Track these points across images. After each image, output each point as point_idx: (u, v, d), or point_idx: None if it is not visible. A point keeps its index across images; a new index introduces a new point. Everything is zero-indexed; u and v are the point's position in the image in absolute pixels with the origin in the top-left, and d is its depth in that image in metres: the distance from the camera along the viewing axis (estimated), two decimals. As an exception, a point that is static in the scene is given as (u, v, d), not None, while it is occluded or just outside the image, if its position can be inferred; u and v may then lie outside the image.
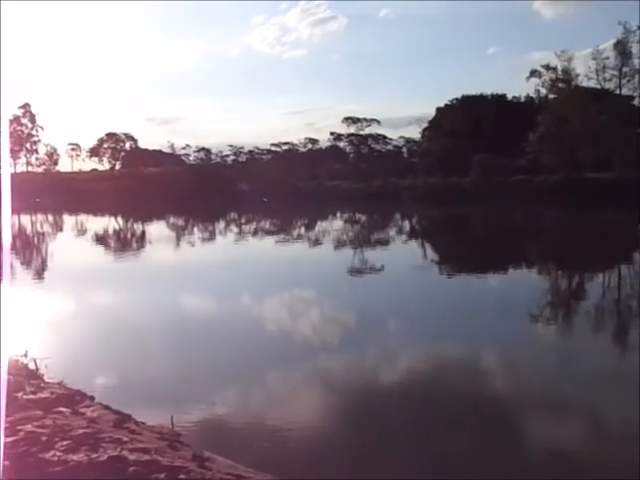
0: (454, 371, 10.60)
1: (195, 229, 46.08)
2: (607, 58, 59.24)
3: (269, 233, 40.66)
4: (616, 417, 8.40)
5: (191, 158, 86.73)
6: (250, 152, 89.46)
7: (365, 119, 79.10)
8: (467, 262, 25.03)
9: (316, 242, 34.23)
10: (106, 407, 6.95)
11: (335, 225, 47.12)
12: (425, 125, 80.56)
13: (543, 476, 6.83)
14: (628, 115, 59.98)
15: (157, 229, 46.17)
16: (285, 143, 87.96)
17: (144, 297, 17.50)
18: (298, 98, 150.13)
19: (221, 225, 48.72)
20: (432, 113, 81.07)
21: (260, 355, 11.37)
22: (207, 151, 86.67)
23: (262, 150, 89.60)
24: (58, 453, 4.78)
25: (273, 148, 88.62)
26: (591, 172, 56.74)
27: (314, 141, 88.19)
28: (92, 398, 7.33)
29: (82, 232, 45.21)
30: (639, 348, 11.99)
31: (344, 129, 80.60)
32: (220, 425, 8.02)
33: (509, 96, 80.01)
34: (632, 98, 61.21)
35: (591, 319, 14.68)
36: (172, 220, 53.25)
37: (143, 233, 44.45)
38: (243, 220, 53.12)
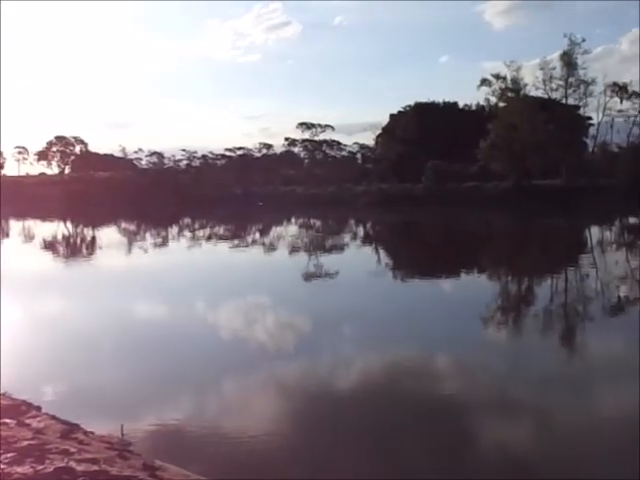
0: (406, 374, 10.69)
1: (147, 234, 45.35)
2: (554, 69, 61.03)
3: (223, 238, 40.32)
4: (563, 417, 8.61)
5: (143, 162, 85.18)
6: (204, 157, 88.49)
7: (320, 125, 79.37)
8: (420, 267, 25.35)
9: (271, 247, 34.12)
10: (53, 417, 6.77)
11: (290, 230, 47.08)
12: (379, 132, 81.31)
13: (492, 475, 6.94)
14: (574, 124, 61.86)
15: (108, 234, 45.24)
16: (239, 148, 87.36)
17: (94, 304, 17.11)
18: (252, 103, 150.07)
19: (174, 230, 48.08)
20: (386, 120, 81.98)
21: (212, 362, 11.26)
22: (160, 155, 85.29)
23: (216, 155, 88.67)
24: (2, 466, 4.63)
25: (227, 153, 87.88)
26: (539, 179, 58.24)
27: (269, 146, 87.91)
28: (39, 408, 7.13)
29: (29, 238, 43.96)
30: (584, 349, 12.38)
31: (299, 134, 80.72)
32: (172, 433, 7.89)
33: (461, 104, 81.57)
34: (577, 108, 63.10)
35: (539, 322, 15.04)
36: (123, 225, 52.30)
37: (93, 239, 43.50)
38: (197, 225, 52.55)
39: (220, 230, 47.83)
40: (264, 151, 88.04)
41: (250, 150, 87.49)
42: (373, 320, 14.73)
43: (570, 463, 7.25)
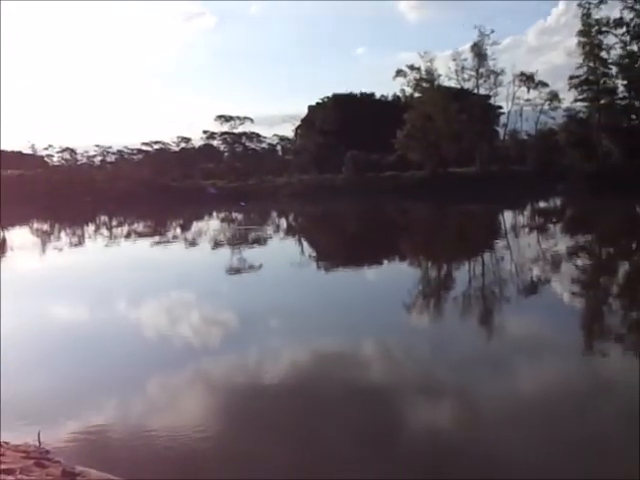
0: (333, 363, 10.78)
1: (62, 234, 43.60)
2: (465, 60, 62.85)
3: (143, 235, 39.29)
4: (488, 399, 8.92)
5: (55, 159, 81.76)
6: (119, 152, 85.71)
7: (238, 117, 78.37)
8: (343, 257, 25.62)
9: (193, 243, 33.56)
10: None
11: (212, 225, 46.46)
12: (298, 123, 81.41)
13: (419, 459, 7.10)
14: (485, 113, 64.04)
15: (20, 235, 43.16)
16: (156, 142, 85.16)
17: (5, 308, 16.28)
18: (169, 95, 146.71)
19: (90, 229, 46.44)
20: (305, 111, 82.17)
21: (135, 361, 10.97)
22: (72, 151, 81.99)
23: (132, 150, 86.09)
24: None
25: (144, 147, 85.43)
26: (455, 167, 60.02)
27: (187, 140, 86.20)
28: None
29: None
30: (501, 329, 12.87)
31: (217, 127, 79.55)
32: (94, 437, 7.62)
33: (378, 95, 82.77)
34: (488, 97, 65.29)
35: (459, 305, 15.52)
36: (36, 225, 50.03)
37: (4, 240, 41.39)
38: (114, 223, 50.98)
39: (139, 227, 46.61)
40: (182, 145, 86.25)
41: (167, 144, 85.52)
42: (299, 311, 14.77)
43: (493, 444, 7.51)
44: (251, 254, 26.72)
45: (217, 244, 32.38)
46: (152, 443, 7.43)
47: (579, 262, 20.91)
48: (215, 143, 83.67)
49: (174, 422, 8.14)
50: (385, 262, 23.61)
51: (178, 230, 42.56)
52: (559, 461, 6.85)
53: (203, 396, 9.47)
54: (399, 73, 65.02)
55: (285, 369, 10.46)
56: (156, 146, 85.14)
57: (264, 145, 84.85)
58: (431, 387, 9.45)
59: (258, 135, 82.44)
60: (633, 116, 58.68)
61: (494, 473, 6.61)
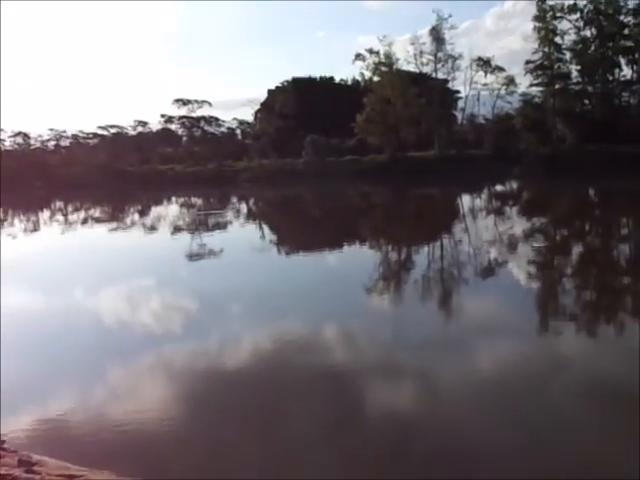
0: (296, 347, 10.81)
1: (15, 220, 42.51)
2: (424, 44, 63.10)
3: (100, 221, 38.60)
4: (448, 380, 9.08)
5: (7, 144, 79.37)
6: (74, 136, 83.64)
7: (196, 100, 77.19)
8: (304, 241, 25.63)
9: (152, 228, 33.12)
10: None
11: (171, 210, 45.89)
12: (257, 107, 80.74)
13: (381, 440, 7.21)
14: (444, 97, 64.55)
15: (-30, 222, 41.92)
16: (112, 126, 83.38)
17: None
18: (125, 78, 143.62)
19: (45, 215, 45.38)
20: (264, 95, 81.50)
21: (94, 350, 10.80)
22: (25, 135, 79.73)
23: (87, 134, 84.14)
24: None
25: (100, 132, 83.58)
26: (414, 151, 60.45)
27: (144, 123, 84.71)
28: None
29: None
30: (460, 311, 13.09)
31: (175, 111, 78.27)
32: (52, 425, 7.51)
33: (337, 79, 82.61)
34: (446, 81, 65.81)
35: (419, 288, 15.71)
36: (-13, 212, 48.67)
37: (-47, 227, 40.15)
38: (70, 209, 49.91)
39: (96, 213, 45.75)
40: (139, 129, 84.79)
41: (124, 128, 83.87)
42: (260, 296, 14.73)
43: (454, 423, 7.66)
44: (211, 239, 26.52)
45: (177, 229, 32.03)
46: (111, 431, 7.35)
47: (535, 244, 21.35)
48: (173, 127, 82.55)
49: (134, 410, 8.06)
50: (346, 246, 23.71)
51: (136, 216, 41.95)
52: (516, 439, 7.03)
53: (164, 383, 9.39)
54: (358, 57, 65.07)
55: (247, 354, 10.45)
56: (112, 130, 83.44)
57: (223, 129, 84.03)
58: (392, 369, 9.56)
59: (217, 119, 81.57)
60: (586, 101, 59.97)
61: (454, 453, 6.75)
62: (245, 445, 7.11)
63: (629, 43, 55.87)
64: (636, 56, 55.23)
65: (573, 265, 18.13)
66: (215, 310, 13.73)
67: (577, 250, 20.78)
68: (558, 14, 57.75)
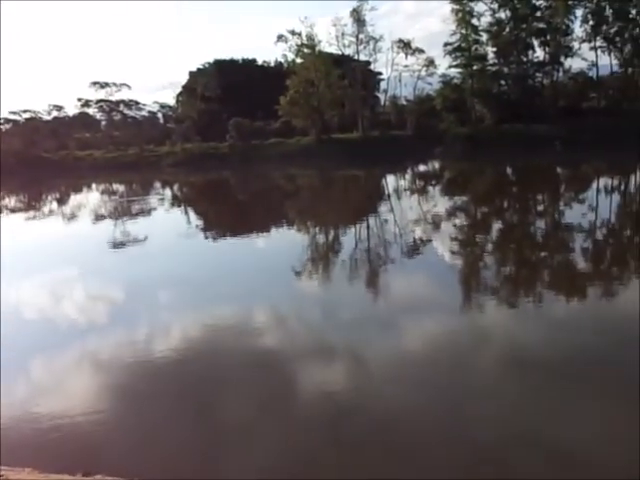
0: (227, 332, 10.79)
1: None
2: (345, 25, 63.25)
3: (16, 210, 36.94)
4: (378, 357, 9.30)
5: None
6: (-17, 122, 79.23)
7: (114, 83, 74.57)
8: (231, 225, 25.43)
9: (72, 217, 32.01)
10: None
11: (91, 198, 44.43)
12: (179, 90, 78.92)
13: (316, 421, 7.33)
14: (366, 79, 65.06)
15: None
16: (25, 110, 79.47)
17: None
18: (39, 60, 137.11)
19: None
20: (185, 78, 79.69)
21: (16, 344, 10.42)
22: None
23: (-2, 119, 79.91)
24: None
25: (11, 117, 79.49)
26: (338, 133, 60.78)
27: (59, 108, 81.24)
28: None
29: None
30: (387, 289, 13.40)
31: (92, 94, 75.38)
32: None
33: (260, 60, 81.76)
34: (369, 63, 66.33)
35: (347, 268, 15.93)
36: None
37: None
38: (-18, 198, 47.49)
39: (11, 202, 43.74)
40: (54, 113, 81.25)
41: (38, 112, 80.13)
42: (188, 283, 14.57)
43: (382, 399, 7.88)
44: (135, 227, 25.90)
45: (98, 217, 31.08)
46: (34, 427, 7.15)
47: (457, 222, 22.02)
48: (91, 111, 79.44)
49: (56, 405, 7.87)
50: (273, 229, 23.70)
51: (55, 204, 40.40)
52: (444, 411, 7.31)
53: (89, 376, 9.19)
54: (280, 38, 64.42)
55: (177, 341, 10.34)
56: (25, 115, 79.50)
57: (144, 113, 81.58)
58: (322, 349, 9.70)
59: (137, 102, 79.07)
60: (502, 82, 61.80)
61: (385, 428, 6.96)
62: (175, 434, 7.07)
63: (541, 25, 57.81)
64: (548, 38, 57.23)
65: (493, 241, 18.83)
66: (142, 299, 13.49)
67: (497, 227, 21.57)
68: (474, -4, 59.02)
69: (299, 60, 64.72)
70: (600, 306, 10.99)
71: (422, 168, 50.95)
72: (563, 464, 5.99)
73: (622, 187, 30.62)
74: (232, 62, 78.85)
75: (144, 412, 7.75)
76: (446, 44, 60.22)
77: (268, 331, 10.78)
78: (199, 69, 79.04)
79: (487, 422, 6.93)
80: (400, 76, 66.69)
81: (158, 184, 51.36)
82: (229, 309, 12.14)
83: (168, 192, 45.70)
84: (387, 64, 65.82)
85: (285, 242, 20.66)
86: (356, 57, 64.38)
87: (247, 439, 6.79)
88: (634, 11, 55.03)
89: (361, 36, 62.94)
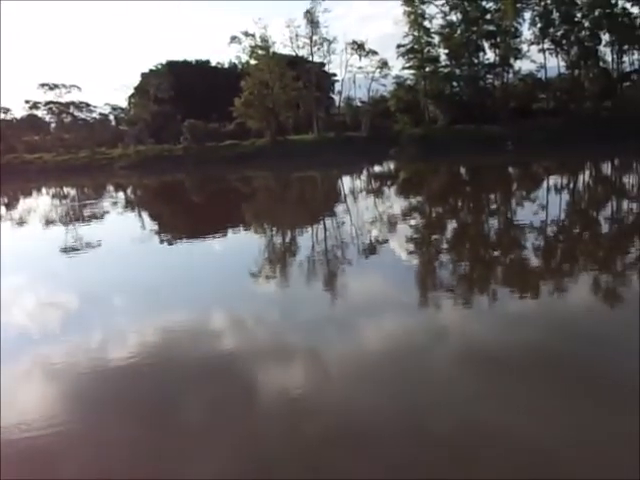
0: (184, 337, 10.64)
1: None
2: (299, 27, 63.35)
3: (-39, 217, 35.73)
4: (337, 358, 9.31)
5: None
6: None
7: (64, 85, 72.99)
8: (187, 228, 25.15)
9: (21, 222, 31.14)
10: None
11: (41, 202, 43.31)
12: (131, 92, 77.71)
13: (278, 423, 7.29)
14: (321, 80, 65.29)
15: None
16: (-31, 113, 77.21)
17: None
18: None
19: None
20: (137, 79, 78.51)
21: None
22: None
23: (-60, 122, 77.27)
24: None
25: (-46, 119, 77.08)
26: (294, 134, 60.79)
27: (6, 110, 79.10)
28: None
29: None
30: (345, 290, 13.44)
31: (41, 96, 73.57)
32: None
33: (213, 62, 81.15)
34: (323, 65, 66.58)
35: (304, 270, 15.90)
36: None
37: None
38: None
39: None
40: (1, 116, 79.04)
41: (-18, 115, 77.83)
42: (143, 287, 14.34)
43: (343, 398, 7.89)
44: (88, 231, 25.35)
45: (49, 222, 30.32)
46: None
47: (412, 222, 22.24)
48: (39, 114, 77.64)
49: (15, 415, 7.63)
50: (229, 231, 23.52)
51: (3, 209, 39.25)
52: (402, 406, 7.37)
53: (43, 385, 8.94)
54: (234, 40, 64.07)
55: (134, 348, 10.15)
56: (-31, 117, 77.17)
57: (95, 115, 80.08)
58: (280, 350, 9.66)
59: (88, 104, 77.57)
60: (455, 83, 62.81)
61: (346, 426, 6.97)
62: (132, 442, 6.94)
63: (491, 27, 58.96)
64: (498, 40, 58.40)
65: (448, 240, 19.09)
66: (95, 304, 13.20)
67: (451, 226, 21.87)
68: (425, -1, 59.84)
69: (253, 61, 64.53)
70: (552, 301, 11.24)
71: (377, 169, 51.35)
72: (511, 449, 6.10)
73: (571, 185, 31.46)
74: (185, 63, 78.16)
75: (100, 420, 7.57)
76: (399, 46, 60.96)
77: (225, 333, 10.68)
78: (151, 70, 78.05)
79: (443, 414, 7.02)
80: (354, 77, 67.27)
81: (111, 187, 50.45)
82: (185, 312, 11.97)
83: (121, 195, 44.92)
84: (341, 65, 66.40)
85: (242, 244, 20.51)
86: (310, 58, 64.58)
87: (206, 442, 6.70)
88: (579, 14, 56.71)
89: (315, 37, 63.21)
